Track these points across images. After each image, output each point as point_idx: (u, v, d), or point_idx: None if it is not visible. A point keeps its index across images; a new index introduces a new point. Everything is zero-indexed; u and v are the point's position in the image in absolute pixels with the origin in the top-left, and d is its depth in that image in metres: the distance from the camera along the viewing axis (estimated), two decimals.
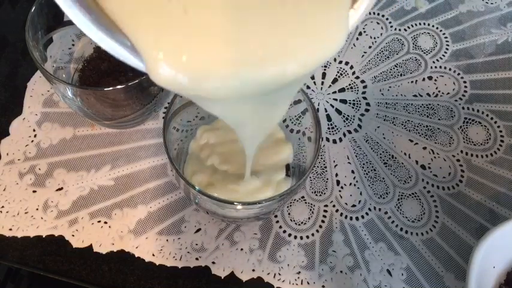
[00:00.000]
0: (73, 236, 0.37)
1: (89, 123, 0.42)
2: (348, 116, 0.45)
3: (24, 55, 0.46)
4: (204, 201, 0.33)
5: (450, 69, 0.48)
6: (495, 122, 0.45)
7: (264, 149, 0.37)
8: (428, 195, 0.41)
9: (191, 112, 0.38)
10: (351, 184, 0.41)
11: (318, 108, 0.45)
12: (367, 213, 0.40)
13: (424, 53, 0.49)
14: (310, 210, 0.40)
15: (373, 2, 0.21)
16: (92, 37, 0.19)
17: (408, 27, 0.50)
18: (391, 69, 0.48)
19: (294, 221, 0.39)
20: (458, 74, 0.48)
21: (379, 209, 0.40)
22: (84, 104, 0.37)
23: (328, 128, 0.44)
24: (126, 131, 0.42)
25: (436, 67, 0.48)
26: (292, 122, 0.40)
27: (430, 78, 0.47)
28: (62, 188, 0.39)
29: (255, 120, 0.25)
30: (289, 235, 0.39)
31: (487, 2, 0.52)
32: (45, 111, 0.43)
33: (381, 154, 0.43)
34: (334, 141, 0.43)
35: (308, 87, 0.46)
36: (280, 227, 0.39)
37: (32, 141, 0.41)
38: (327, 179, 0.41)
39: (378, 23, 0.51)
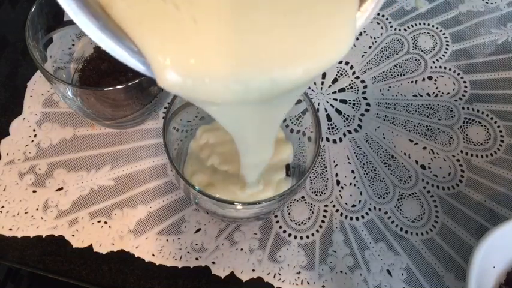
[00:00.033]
0: (73, 236, 0.37)
1: (89, 123, 0.42)
2: (348, 116, 0.45)
3: (24, 55, 0.46)
4: (204, 201, 0.33)
5: (450, 69, 0.48)
6: (495, 122, 0.45)
7: None
8: (428, 195, 0.41)
9: (191, 112, 0.38)
10: (351, 184, 0.41)
11: (318, 108, 0.45)
12: (367, 213, 0.40)
13: (424, 53, 0.49)
14: (310, 210, 0.40)
15: (381, 2, 0.21)
16: (92, 37, 0.19)
17: (408, 27, 0.50)
18: (391, 69, 0.48)
19: (294, 221, 0.39)
20: (458, 74, 0.48)
21: (379, 209, 0.40)
22: (84, 104, 0.37)
23: (328, 128, 0.44)
24: (126, 131, 0.42)
25: (436, 67, 0.48)
26: (292, 122, 0.40)
27: (430, 78, 0.47)
28: (62, 188, 0.39)
29: (255, 127, 0.26)
30: (289, 235, 0.39)
31: (487, 2, 0.52)
32: (45, 111, 0.43)
33: (381, 154, 0.43)
34: (334, 141, 0.43)
35: (308, 87, 0.46)
36: (280, 227, 0.39)
37: (32, 141, 0.41)
38: (327, 179, 0.41)
39: (378, 23, 0.51)
